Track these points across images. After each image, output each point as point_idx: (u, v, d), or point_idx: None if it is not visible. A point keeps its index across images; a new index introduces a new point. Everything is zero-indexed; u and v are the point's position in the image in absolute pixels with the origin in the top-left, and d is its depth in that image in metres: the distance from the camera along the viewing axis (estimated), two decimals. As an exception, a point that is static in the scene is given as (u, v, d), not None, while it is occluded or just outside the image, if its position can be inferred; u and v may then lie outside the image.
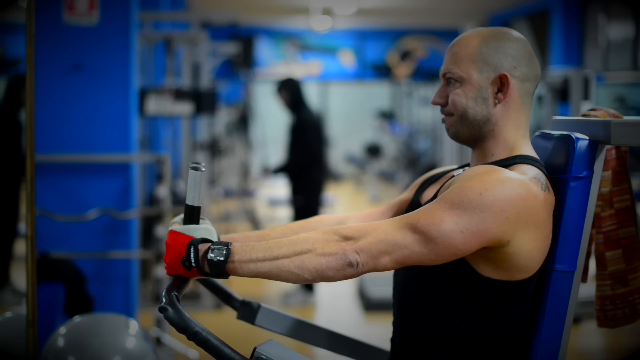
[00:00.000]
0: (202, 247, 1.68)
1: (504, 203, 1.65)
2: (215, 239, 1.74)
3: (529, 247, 1.68)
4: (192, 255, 1.67)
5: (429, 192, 1.96)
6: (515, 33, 1.84)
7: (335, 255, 1.63)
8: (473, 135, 1.84)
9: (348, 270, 1.64)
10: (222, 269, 1.66)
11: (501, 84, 1.80)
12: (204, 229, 1.73)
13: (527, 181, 1.69)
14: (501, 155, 1.83)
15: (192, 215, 1.74)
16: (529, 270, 1.72)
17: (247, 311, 2.30)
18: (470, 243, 1.64)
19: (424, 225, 1.64)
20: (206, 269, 1.67)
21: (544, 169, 1.79)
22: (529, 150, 1.83)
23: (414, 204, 1.97)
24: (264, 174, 6.68)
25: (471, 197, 1.64)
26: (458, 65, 1.81)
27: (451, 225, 1.64)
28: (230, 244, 1.68)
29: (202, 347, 1.62)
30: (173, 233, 1.71)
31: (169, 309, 1.61)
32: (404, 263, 1.66)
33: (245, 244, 1.68)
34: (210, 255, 1.66)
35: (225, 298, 2.37)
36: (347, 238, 1.65)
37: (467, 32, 1.85)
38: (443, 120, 1.88)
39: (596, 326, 1.94)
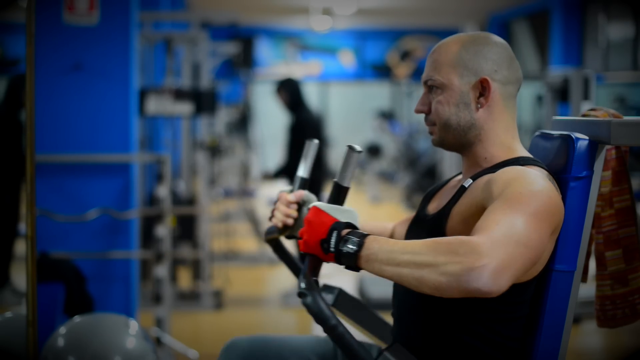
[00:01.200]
0: (343, 233, 1.60)
1: (554, 204, 1.65)
2: (358, 226, 1.67)
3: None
4: (332, 240, 1.59)
5: (434, 204, 1.93)
6: (495, 37, 1.84)
7: (455, 277, 1.48)
8: (459, 142, 1.83)
9: (469, 290, 1.49)
10: (353, 260, 1.57)
11: (482, 88, 1.80)
12: (349, 212, 1.67)
13: (551, 185, 1.69)
14: (499, 156, 1.82)
15: (339, 195, 1.66)
16: (536, 271, 1.72)
17: (327, 294, 2.21)
18: (541, 252, 1.62)
19: (522, 235, 1.57)
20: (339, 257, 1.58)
21: (540, 162, 1.80)
22: (525, 152, 1.84)
23: (419, 217, 1.94)
24: (265, 179, 6.69)
25: (531, 198, 1.61)
26: (439, 72, 1.81)
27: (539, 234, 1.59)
28: (367, 235, 1.58)
29: (336, 343, 1.55)
30: (317, 210, 1.63)
31: (309, 295, 1.54)
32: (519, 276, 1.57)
33: (377, 239, 1.58)
34: (345, 245, 1.58)
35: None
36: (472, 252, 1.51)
37: (447, 39, 1.85)
38: (430, 132, 1.87)
39: (596, 326, 1.95)
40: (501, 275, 1.47)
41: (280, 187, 6.45)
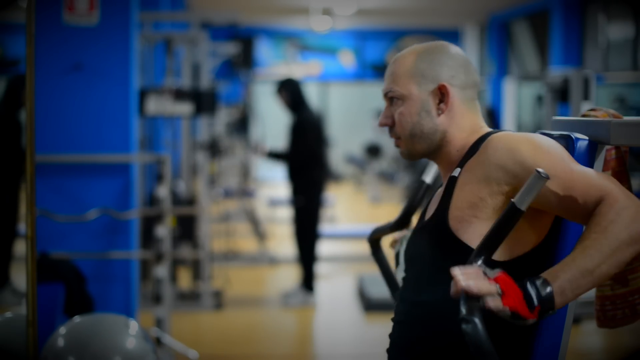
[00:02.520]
0: (534, 286, 1.55)
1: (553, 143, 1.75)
2: None
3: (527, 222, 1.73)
4: (533, 295, 1.53)
5: (429, 213, 1.91)
6: (450, 45, 1.87)
7: (632, 220, 1.57)
8: (427, 149, 1.86)
9: None
10: (552, 303, 1.55)
11: (441, 95, 1.83)
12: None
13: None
14: (469, 141, 1.84)
15: (513, 217, 1.57)
16: (527, 244, 1.73)
17: None
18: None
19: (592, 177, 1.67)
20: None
21: None
22: (487, 130, 1.86)
23: (417, 229, 1.93)
24: (255, 151, 6.66)
25: (553, 156, 1.69)
26: (397, 83, 1.85)
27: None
28: (542, 277, 1.56)
29: None
30: (506, 280, 1.54)
31: (470, 323, 1.47)
32: None
33: (552, 272, 1.57)
34: (543, 292, 1.54)
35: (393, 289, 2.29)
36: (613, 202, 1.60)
37: (403, 51, 1.89)
38: (396, 145, 1.90)
39: (596, 326, 1.95)
40: None
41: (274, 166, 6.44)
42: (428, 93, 1.83)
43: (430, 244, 1.81)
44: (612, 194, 1.60)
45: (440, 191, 1.90)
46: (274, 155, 6.37)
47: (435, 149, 1.86)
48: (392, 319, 1.92)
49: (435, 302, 1.77)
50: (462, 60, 1.85)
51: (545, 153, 1.69)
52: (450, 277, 1.56)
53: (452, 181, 1.81)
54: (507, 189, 1.71)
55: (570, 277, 1.55)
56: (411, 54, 1.86)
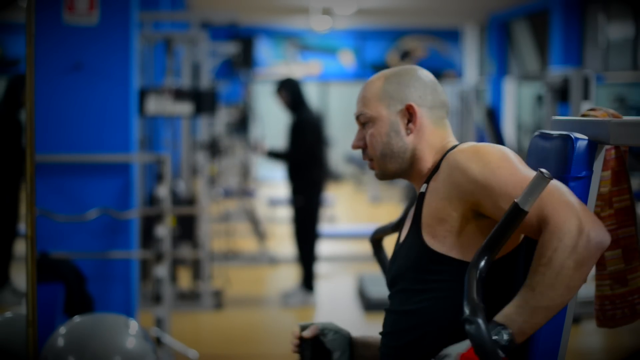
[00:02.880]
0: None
1: (508, 152, 1.78)
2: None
3: None
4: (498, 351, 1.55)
5: (405, 226, 1.95)
6: (417, 69, 1.94)
7: (575, 245, 1.59)
8: (399, 168, 1.92)
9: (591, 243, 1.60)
10: (514, 343, 1.59)
11: (410, 114, 1.89)
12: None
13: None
14: (437, 158, 1.89)
15: (516, 217, 1.58)
16: (518, 237, 1.78)
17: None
18: None
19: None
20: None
21: None
22: (454, 143, 1.92)
23: (395, 251, 1.96)
24: (255, 150, 6.65)
25: (502, 172, 1.73)
26: (367, 106, 1.91)
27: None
28: (500, 324, 1.59)
29: None
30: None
31: (474, 324, 1.48)
32: None
33: (505, 314, 1.60)
34: (502, 341, 1.57)
35: None
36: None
37: (372, 77, 1.96)
38: (370, 167, 1.96)
39: (596, 326, 1.95)
40: (591, 217, 1.63)
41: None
42: (397, 114, 1.89)
43: (410, 261, 1.85)
44: (554, 216, 1.62)
45: (413, 209, 1.94)
46: (274, 155, 6.37)
47: (407, 168, 1.92)
48: (380, 333, 1.94)
49: (421, 310, 1.81)
50: (429, 82, 1.91)
51: (496, 169, 1.72)
52: (434, 287, 1.70)
53: (421, 197, 1.87)
54: (469, 203, 1.76)
55: (527, 317, 1.59)
56: (379, 78, 1.93)
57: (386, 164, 1.92)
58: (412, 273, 1.83)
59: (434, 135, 1.90)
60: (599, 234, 1.60)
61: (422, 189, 1.88)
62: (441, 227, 1.79)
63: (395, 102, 1.89)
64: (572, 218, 1.60)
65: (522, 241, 1.79)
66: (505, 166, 1.73)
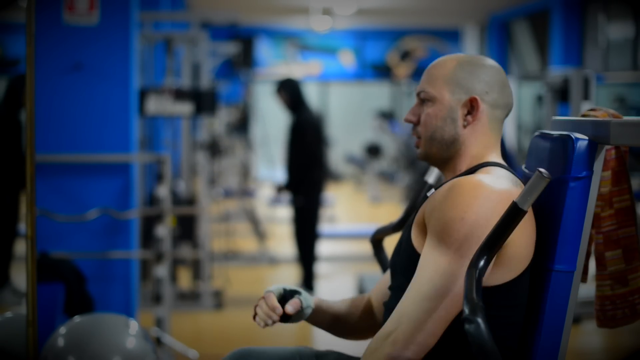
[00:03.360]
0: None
1: (490, 217, 1.68)
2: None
3: (517, 243, 1.72)
4: None
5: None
6: (491, 61, 1.90)
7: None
8: (442, 156, 1.90)
9: None
10: None
11: (471, 107, 1.86)
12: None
13: (498, 184, 1.75)
14: (468, 166, 1.88)
15: (515, 217, 1.59)
16: (518, 267, 1.74)
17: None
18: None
19: (442, 287, 1.68)
20: None
21: (511, 170, 1.87)
22: (496, 159, 1.89)
23: (402, 241, 1.95)
24: (279, 194, 6.63)
25: (459, 229, 1.68)
26: (432, 85, 1.88)
27: (452, 274, 1.68)
28: None
29: None
30: None
31: (473, 323, 1.50)
32: (445, 326, 1.70)
33: None
34: None
35: None
36: (386, 337, 1.71)
37: (446, 56, 1.93)
38: (416, 145, 1.94)
39: (596, 326, 1.95)
40: (408, 344, 1.68)
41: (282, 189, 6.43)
42: (458, 102, 1.86)
43: (402, 259, 1.88)
44: (387, 326, 1.72)
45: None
46: (287, 184, 6.29)
47: (448, 159, 1.90)
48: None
49: None
50: (499, 79, 1.88)
51: (451, 243, 1.70)
52: None
53: (425, 198, 1.89)
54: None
55: None
56: (453, 60, 1.89)
57: (432, 147, 1.89)
58: (404, 271, 1.84)
59: (486, 136, 1.88)
60: (395, 351, 1.68)
61: (429, 193, 1.88)
62: (423, 234, 1.80)
63: (461, 90, 1.86)
64: (389, 324, 1.70)
65: (523, 272, 1.76)
66: (465, 241, 1.69)
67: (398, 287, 1.87)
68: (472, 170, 1.85)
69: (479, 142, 1.88)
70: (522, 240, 1.73)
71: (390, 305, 1.90)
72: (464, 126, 1.87)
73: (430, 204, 1.78)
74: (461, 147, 1.88)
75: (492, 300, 1.71)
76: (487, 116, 1.87)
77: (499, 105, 1.88)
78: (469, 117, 1.87)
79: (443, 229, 1.70)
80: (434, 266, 1.69)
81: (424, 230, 1.79)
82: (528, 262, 1.76)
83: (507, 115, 1.91)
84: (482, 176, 1.77)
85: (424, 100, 1.89)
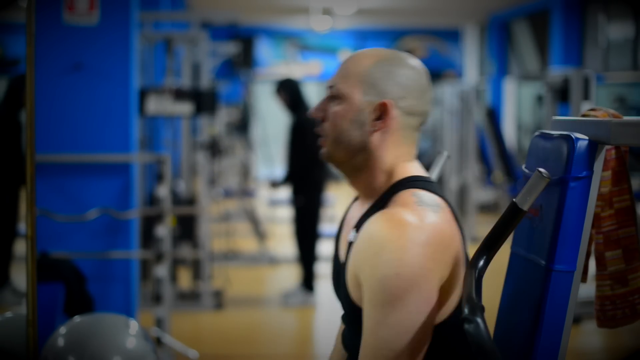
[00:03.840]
0: None
1: (424, 263, 1.55)
2: None
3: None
4: None
5: (342, 247, 1.80)
6: (415, 62, 1.71)
7: None
8: (348, 161, 1.71)
9: None
10: None
11: (382, 112, 1.67)
12: None
13: (424, 219, 1.58)
14: (386, 181, 1.70)
15: (515, 217, 1.56)
16: (445, 314, 1.64)
17: None
18: (433, 320, 1.58)
19: (398, 343, 1.54)
20: None
21: (429, 180, 1.71)
22: (407, 170, 1.70)
23: (335, 265, 1.81)
24: (273, 188, 6.65)
25: (397, 285, 1.53)
26: (345, 82, 1.68)
27: (406, 330, 1.54)
28: None
29: None
30: None
31: (473, 323, 1.45)
32: None
33: None
34: None
35: None
36: None
37: (366, 49, 1.73)
38: (320, 142, 1.74)
39: (596, 326, 1.95)
40: None
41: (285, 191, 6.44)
42: (369, 105, 1.66)
43: (345, 304, 1.70)
44: None
45: (350, 223, 1.80)
46: (285, 179, 6.30)
47: (356, 167, 1.71)
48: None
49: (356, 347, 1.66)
50: (419, 84, 1.69)
51: (393, 288, 1.53)
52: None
53: (350, 246, 1.68)
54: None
55: None
56: (371, 56, 1.69)
57: (337, 150, 1.69)
58: (349, 321, 1.72)
59: (397, 147, 1.69)
60: None
61: (351, 237, 1.70)
62: (359, 286, 1.61)
63: (374, 92, 1.66)
64: None
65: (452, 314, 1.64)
66: (388, 287, 1.53)
67: (348, 323, 1.75)
68: (389, 193, 1.66)
69: (391, 154, 1.68)
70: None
71: (344, 335, 1.80)
72: (372, 132, 1.66)
73: (357, 257, 1.59)
74: (370, 157, 1.68)
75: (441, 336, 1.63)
76: (400, 123, 1.67)
77: (415, 113, 1.69)
78: (379, 123, 1.66)
79: (380, 289, 1.53)
80: (382, 329, 1.54)
81: (358, 283, 1.60)
82: (453, 305, 1.64)
83: (422, 123, 1.72)
84: (403, 217, 1.57)
85: (334, 97, 1.69)
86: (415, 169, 1.71)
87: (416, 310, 1.54)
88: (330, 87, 1.71)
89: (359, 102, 1.66)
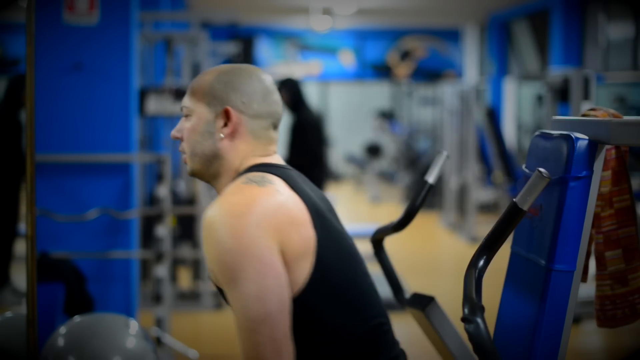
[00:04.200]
0: None
1: (254, 234, 1.66)
2: None
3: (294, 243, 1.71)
4: None
5: None
6: (254, 71, 1.86)
7: None
8: (207, 172, 1.85)
9: None
10: None
11: (227, 118, 1.82)
12: None
13: (238, 195, 1.71)
14: (231, 177, 1.84)
15: (515, 218, 1.60)
16: (303, 281, 1.71)
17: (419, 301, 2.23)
18: (284, 284, 1.67)
19: (256, 315, 1.64)
20: None
21: (268, 166, 1.83)
22: (252, 162, 1.84)
23: None
24: None
25: (228, 260, 1.65)
26: (191, 100, 1.85)
27: (257, 297, 1.64)
28: None
29: None
30: None
31: (473, 323, 1.49)
32: (289, 342, 1.67)
33: None
34: None
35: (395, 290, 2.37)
36: None
37: (210, 69, 1.91)
38: (183, 161, 1.88)
39: (596, 326, 1.95)
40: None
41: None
42: (215, 114, 1.82)
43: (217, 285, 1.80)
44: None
45: None
46: None
47: (214, 175, 1.86)
48: None
49: None
50: (260, 88, 1.84)
51: (233, 281, 1.66)
52: None
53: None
54: None
55: None
56: (212, 72, 1.87)
57: (196, 163, 1.85)
58: (226, 300, 1.82)
59: (248, 147, 1.84)
60: None
61: None
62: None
63: (217, 102, 1.82)
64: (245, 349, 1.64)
65: (310, 280, 1.72)
66: (231, 263, 1.66)
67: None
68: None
69: (240, 154, 1.83)
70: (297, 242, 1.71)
71: None
72: (222, 139, 1.82)
73: (203, 249, 1.78)
74: (224, 162, 1.83)
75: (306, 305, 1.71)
76: (247, 127, 1.83)
77: (262, 115, 1.84)
78: (225, 129, 1.82)
79: (221, 268, 1.66)
80: (237, 304, 1.66)
81: (211, 269, 1.74)
82: (310, 268, 1.72)
83: (275, 123, 1.87)
84: (225, 199, 1.71)
85: (186, 115, 1.86)
86: (265, 160, 1.85)
87: (259, 277, 1.64)
88: (182, 108, 1.87)
89: (206, 114, 1.83)
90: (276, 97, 1.86)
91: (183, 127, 1.86)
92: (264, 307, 1.64)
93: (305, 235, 1.72)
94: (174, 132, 1.87)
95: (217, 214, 1.68)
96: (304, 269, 1.71)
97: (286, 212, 1.71)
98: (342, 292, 1.75)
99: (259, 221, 1.67)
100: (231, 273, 1.65)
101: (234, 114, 1.81)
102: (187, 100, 1.86)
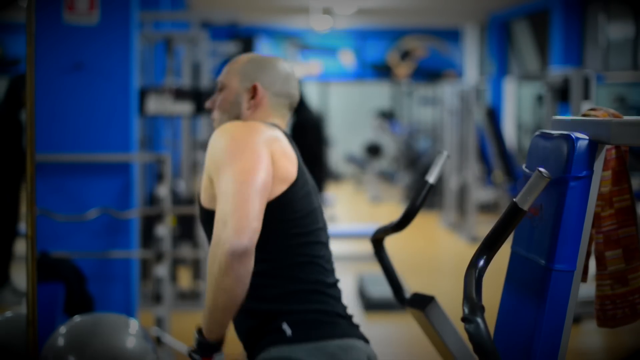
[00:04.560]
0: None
1: (244, 131, 2.07)
2: None
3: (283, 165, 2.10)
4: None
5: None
6: (279, 61, 2.27)
7: (214, 253, 1.93)
8: None
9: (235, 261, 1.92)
10: (209, 344, 2.18)
11: (254, 93, 2.21)
12: None
13: (249, 120, 2.18)
14: None
15: (516, 218, 1.62)
16: (279, 190, 2.07)
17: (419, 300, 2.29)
18: (267, 182, 2.04)
19: (242, 182, 1.99)
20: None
21: (281, 130, 2.23)
22: (266, 122, 2.20)
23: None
24: None
25: (229, 147, 2.03)
26: (225, 76, 2.24)
27: (246, 177, 2.00)
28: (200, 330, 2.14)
29: None
30: None
31: (473, 323, 1.51)
32: (263, 208, 2.00)
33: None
34: (198, 344, 2.17)
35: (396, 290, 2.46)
36: (218, 240, 1.94)
37: (245, 54, 2.30)
38: (214, 125, 2.25)
39: (596, 326, 1.95)
40: (239, 233, 1.91)
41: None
42: (244, 89, 2.21)
43: (202, 220, 2.17)
44: (216, 233, 1.94)
45: None
46: None
47: None
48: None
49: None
50: (283, 73, 2.24)
51: (232, 159, 2.02)
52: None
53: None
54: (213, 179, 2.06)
55: (206, 317, 2.04)
56: (246, 57, 2.27)
57: (222, 120, 2.22)
58: (205, 226, 2.16)
59: (264, 116, 2.22)
60: (231, 241, 1.90)
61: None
62: (210, 188, 2.09)
63: (247, 79, 2.21)
64: (217, 230, 1.93)
65: (292, 185, 2.08)
66: (243, 164, 2.01)
67: (206, 234, 2.17)
68: None
69: (258, 118, 2.21)
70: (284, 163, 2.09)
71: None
72: (248, 108, 2.21)
73: (206, 160, 2.08)
74: None
75: (272, 214, 2.04)
76: (269, 102, 2.23)
77: (282, 94, 2.24)
78: (252, 101, 2.20)
79: (220, 154, 2.02)
80: (228, 174, 1.99)
81: (209, 179, 2.07)
82: (294, 177, 2.10)
83: (292, 104, 2.27)
84: (232, 122, 2.14)
85: (220, 89, 2.24)
86: (271, 122, 2.22)
87: (253, 161, 2.01)
88: (217, 82, 2.26)
89: (236, 87, 2.23)
90: (296, 83, 2.26)
91: (217, 98, 2.24)
92: (252, 177, 1.98)
93: (289, 169, 2.11)
94: (207, 103, 2.26)
95: (228, 125, 2.10)
96: (279, 189, 2.07)
97: (282, 145, 2.14)
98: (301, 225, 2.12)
99: (260, 137, 2.07)
100: (231, 155, 2.01)
101: (260, 89, 2.20)
102: (222, 76, 2.24)
